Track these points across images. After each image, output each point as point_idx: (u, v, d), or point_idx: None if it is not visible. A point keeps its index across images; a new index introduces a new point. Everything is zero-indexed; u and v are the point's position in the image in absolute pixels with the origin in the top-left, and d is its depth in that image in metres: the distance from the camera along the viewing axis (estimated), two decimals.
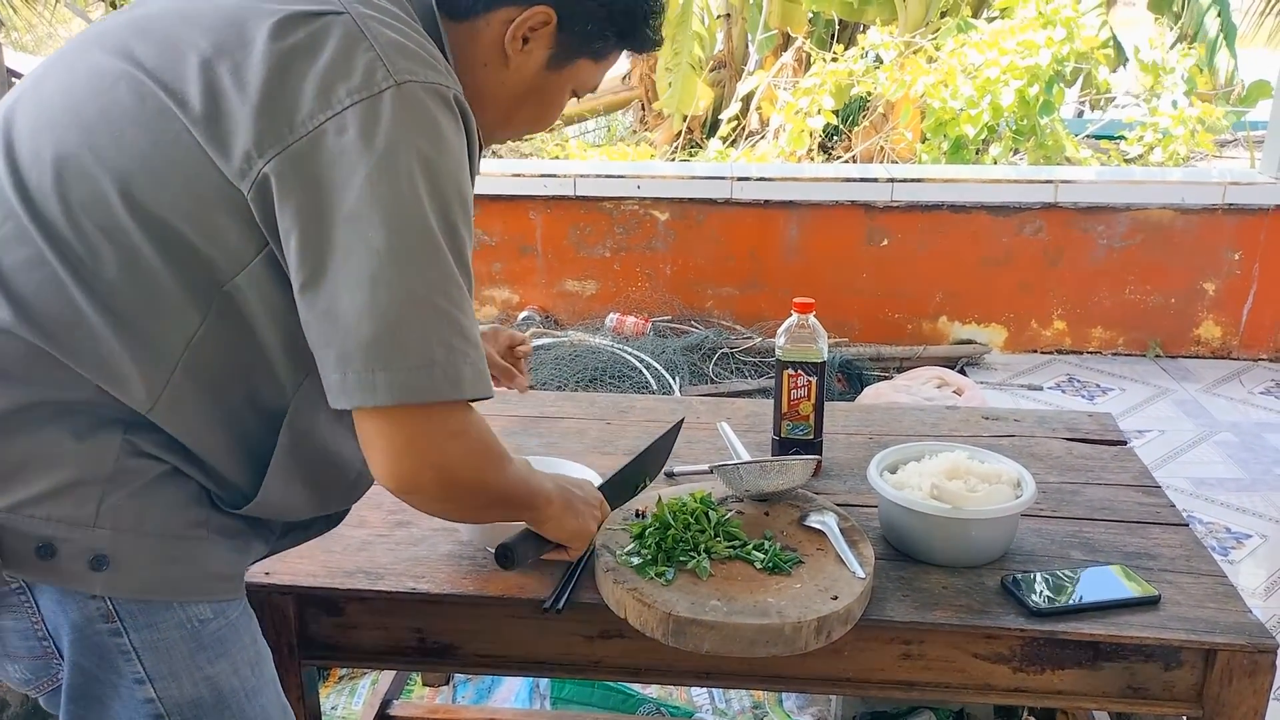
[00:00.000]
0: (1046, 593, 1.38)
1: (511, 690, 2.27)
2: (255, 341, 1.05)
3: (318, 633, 1.48)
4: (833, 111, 5.42)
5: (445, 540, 1.52)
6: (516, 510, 1.26)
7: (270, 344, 1.06)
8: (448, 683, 2.31)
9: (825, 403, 1.74)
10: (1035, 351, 3.62)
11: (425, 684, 2.31)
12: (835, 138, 6.33)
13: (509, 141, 1.34)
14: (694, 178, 3.48)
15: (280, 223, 0.98)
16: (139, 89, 1.01)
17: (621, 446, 1.84)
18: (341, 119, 0.97)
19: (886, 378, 3.33)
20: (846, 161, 5.66)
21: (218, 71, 0.99)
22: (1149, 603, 1.38)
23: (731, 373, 3.01)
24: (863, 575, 1.36)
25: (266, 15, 1.01)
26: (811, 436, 1.72)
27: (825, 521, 1.48)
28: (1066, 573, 1.43)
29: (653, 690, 2.26)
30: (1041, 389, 3.35)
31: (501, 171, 3.64)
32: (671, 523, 1.42)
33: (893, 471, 1.56)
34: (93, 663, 1.06)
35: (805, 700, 2.25)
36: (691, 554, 1.39)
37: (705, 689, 2.29)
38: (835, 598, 1.32)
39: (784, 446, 1.73)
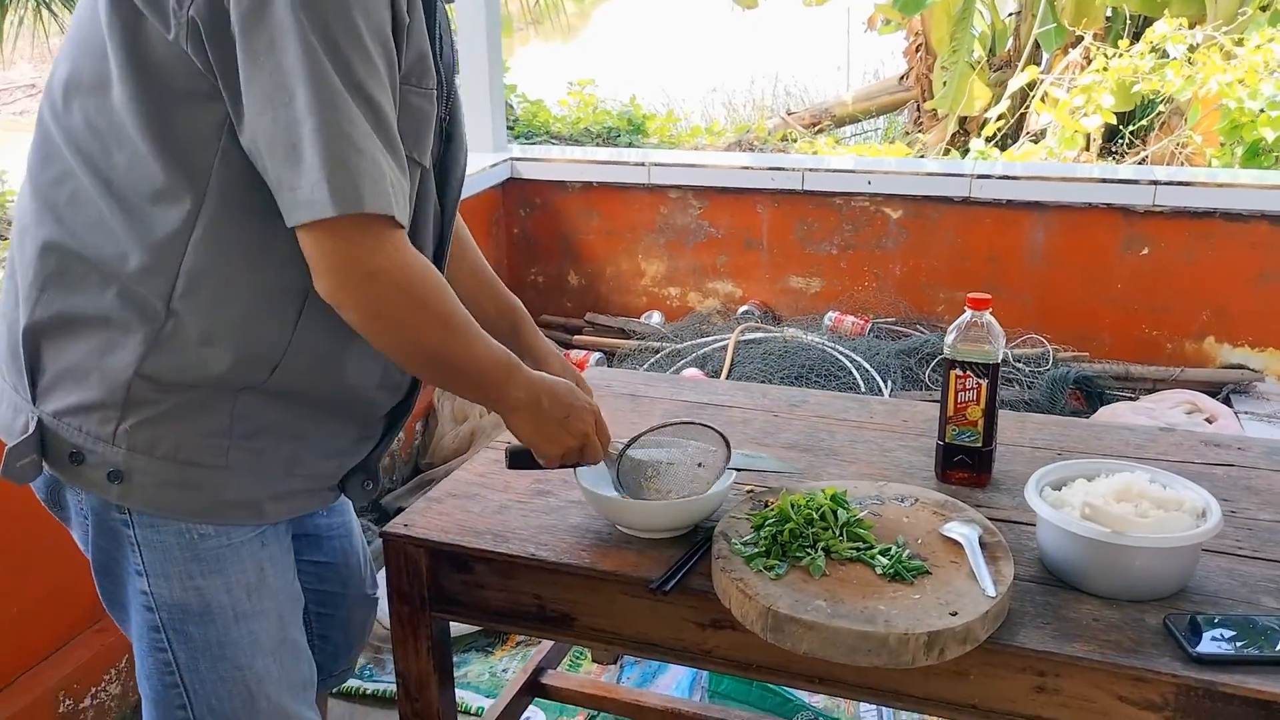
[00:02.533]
0: (1216, 638, 1.20)
1: (674, 679, 2.26)
2: (255, 217, 1.10)
3: (447, 587, 1.53)
4: (1114, 112, 4.99)
5: (577, 513, 1.53)
6: (463, 376, 1.23)
7: (274, 220, 1.08)
8: (615, 662, 2.33)
9: (998, 409, 1.60)
10: None
11: (594, 660, 2.34)
12: (1117, 140, 5.83)
13: None
14: (929, 174, 3.31)
15: (213, 63, 1.04)
16: None
17: (783, 440, 1.78)
18: None
19: (1131, 398, 3.03)
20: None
21: None
22: None
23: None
24: (993, 594, 1.24)
25: None
26: (980, 444, 1.59)
27: (965, 533, 1.36)
28: (1246, 619, 1.24)
29: (819, 700, 2.18)
30: None
31: (729, 164, 3.62)
32: (792, 516, 1.36)
33: (1057, 489, 1.42)
34: (108, 543, 1.19)
35: None
36: (808, 550, 1.32)
37: (875, 706, 2.18)
38: (954, 614, 1.21)
39: (948, 453, 1.61)
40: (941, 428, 1.61)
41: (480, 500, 1.59)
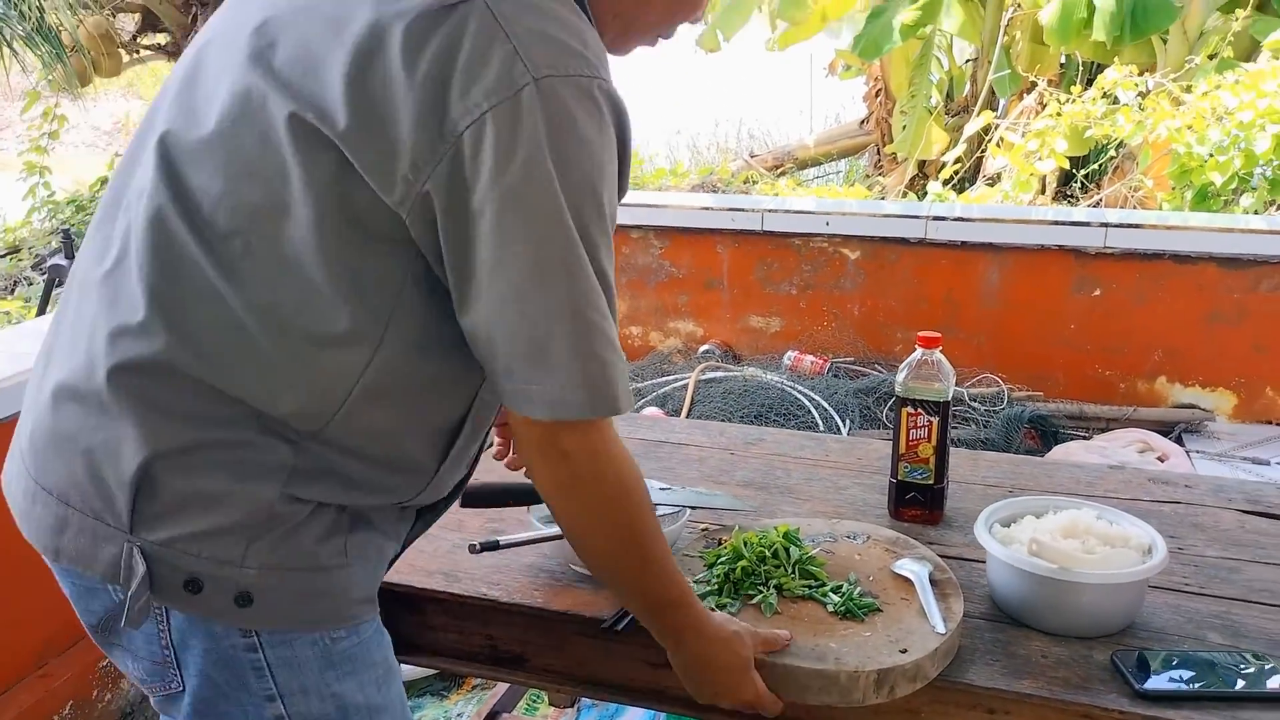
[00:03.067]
0: (1162, 674, 1.21)
1: (634, 718, 2.24)
2: (429, 358, 1.06)
3: (401, 630, 1.49)
4: (1067, 156, 5.10)
5: (530, 552, 1.52)
6: (652, 591, 1.16)
7: (443, 361, 1.06)
8: (573, 705, 2.31)
9: (949, 446, 1.62)
10: (1270, 423, 3.23)
11: (551, 703, 2.31)
12: (1071, 183, 5.95)
13: (631, 52, 1.17)
14: (886, 215, 3.35)
15: (442, 235, 0.97)
16: (283, 111, 0.97)
17: (737, 478, 1.78)
18: (480, 125, 0.93)
19: (1085, 437, 3.07)
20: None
21: (365, 87, 0.94)
22: None
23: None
24: (942, 630, 1.25)
25: (397, 17, 0.94)
26: (932, 481, 1.60)
27: (915, 570, 1.37)
28: (1192, 655, 1.25)
29: None
30: (1269, 463, 2.98)
31: (690, 205, 3.65)
32: (744, 554, 1.36)
33: (1006, 525, 1.43)
34: (224, 677, 1.07)
35: None
36: (760, 588, 1.32)
37: None
38: (904, 650, 1.21)
39: (901, 491, 1.62)
40: (894, 465, 1.62)
41: (433, 540, 1.58)
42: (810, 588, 1.33)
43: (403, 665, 1.54)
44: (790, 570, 1.35)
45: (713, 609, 1.27)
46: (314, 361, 1.01)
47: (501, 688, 2.03)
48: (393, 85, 0.93)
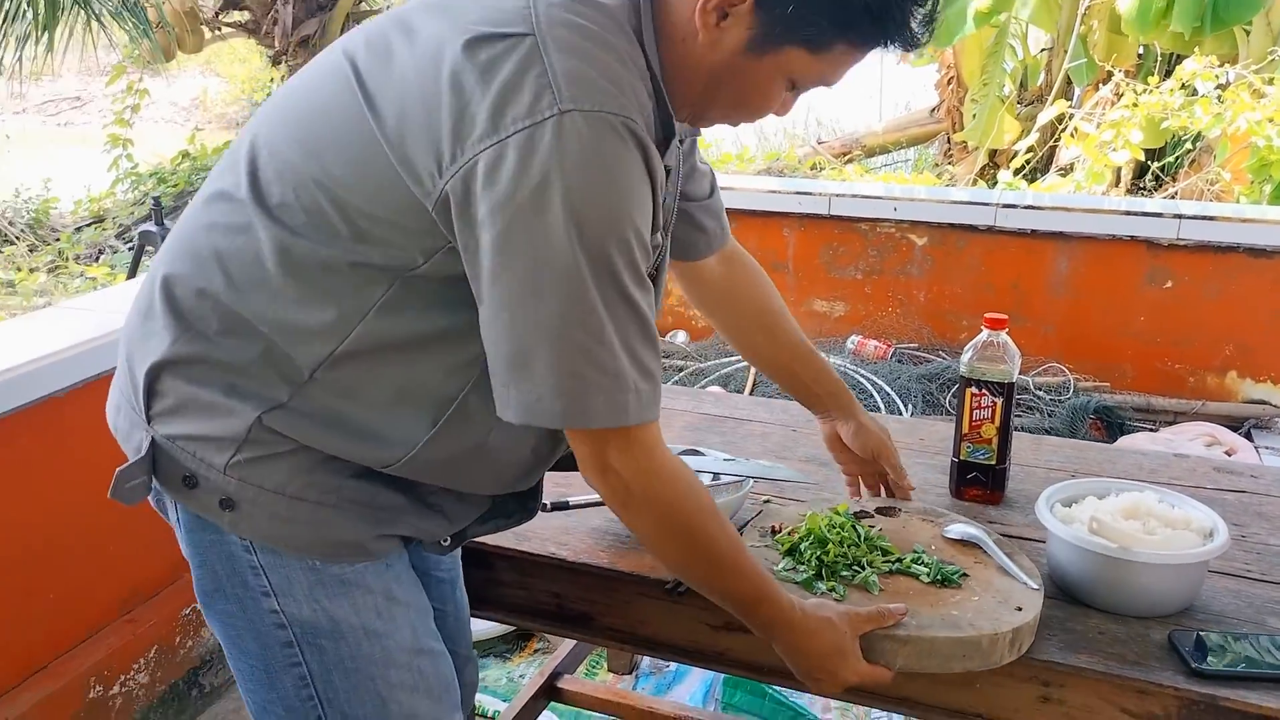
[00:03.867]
0: (1220, 654, 1.23)
1: (688, 690, 2.29)
2: (433, 319, 1.12)
3: (471, 585, 1.57)
4: (1142, 148, 5.01)
5: (597, 516, 1.57)
6: (732, 592, 1.21)
7: (450, 324, 1.12)
8: (631, 672, 2.36)
9: (1012, 429, 1.63)
10: None
11: (610, 669, 2.37)
12: (1146, 176, 5.85)
13: (711, 126, 1.26)
14: (955, 202, 3.34)
15: (458, 237, 1.05)
16: (347, 89, 1.09)
17: (799, 454, 1.82)
18: (504, 145, 0.99)
19: (1152, 429, 3.04)
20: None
21: (410, 90, 1.05)
22: None
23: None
24: (1035, 586, 1.28)
25: (460, 32, 1.04)
26: (994, 462, 1.62)
27: (975, 534, 1.40)
28: (1250, 637, 1.26)
29: (832, 715, 2.20)
30: None
31: (757, 187, 3.67)
32: (829, 538, 1.38)
33: (1067, 506, 1.45)
34: (225, 570, 1.19)
35: None
36: (855, 569, 1.34)
37: (886, 713, 2.20)
38: (1020, 609, 1.25)
39: (962, 470, 1.64)
40: (956, 445, 1.64)
41: None
42: (893, 563, 1.36)
43: (473, 622, 1.61)
44: (869, 548, 1.38)
45: (822, 593, 1.30)
46: (329, 291, 1.10)
47: (563, 650, 2.09)
48: (434, 89, 1.03)
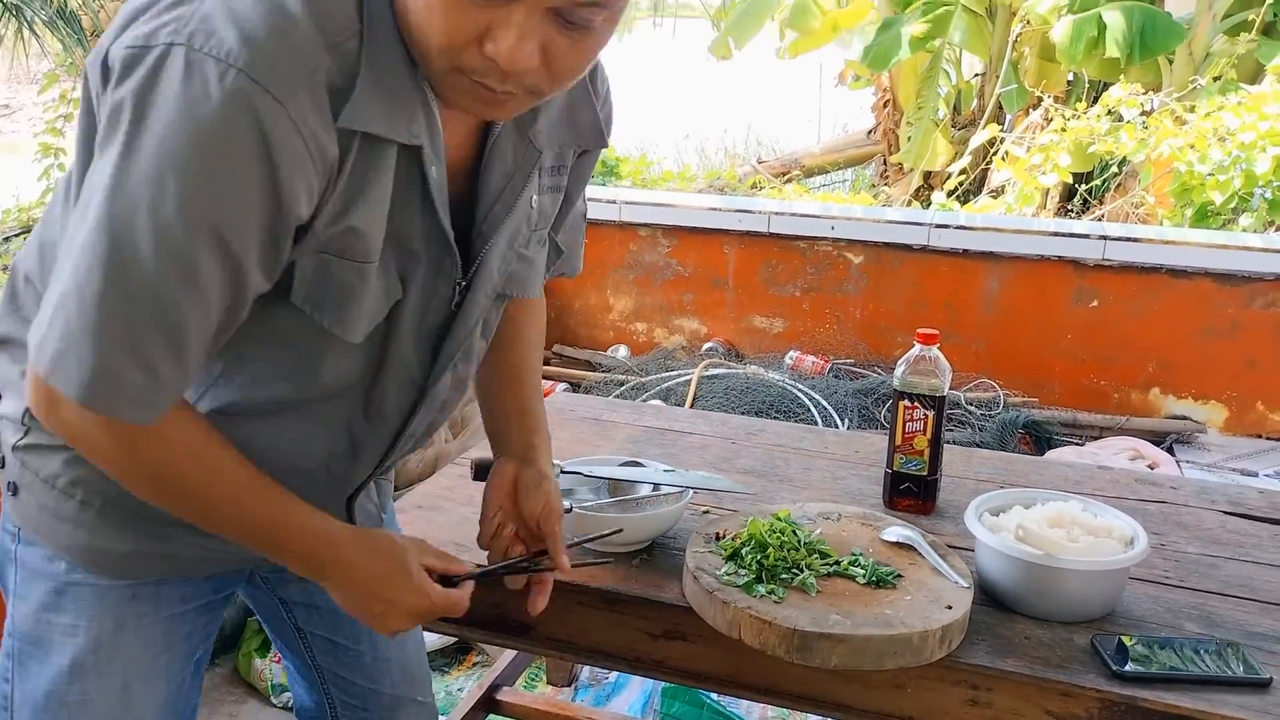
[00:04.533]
0: (1137, 657, 1.28)
1: (627, 700, 2.30)
2: None
3: None
4: (1071, 171, 5.16)
5: None
6: (258, 534, 1.06)
7: None
8: (570, 684, 2.37)
9: (944, 441, 1.68)
10: (1260, 436, 3.29)
11: (549, 682, 2.37)
12: (1074, 199, 6.02)
13: (466, 90, 0.94)
14: (890, 222, 3.42)
15: None
16: None
17: (739, 465, 1.85)
18: (110, 67, 0.87)
19: (1078, 444, 3.13)
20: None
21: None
22: (1257, 684, 1.25)
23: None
24: (966, 584, 1.33)
25: None
26: (926, 473, 1.66)
27: (911, 536, 1.44)
28: (1168, 641, 1.31)
29: None
30: (1258, 475, 3.05)
31: (698, 205, 3.72)
32: (769, 542, 1.41)
33: (995, 515, 1.49)
34: None
35: None
36: (794, 571, 1.37)
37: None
38: (950, 607, 1.29)
39: (895, 481, 1.68)
40: (890, 456, 1.68)
41: (445, 512, 1.64)
42: (831, 565, 1.39)
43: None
44: (808, 552, 1.41)
45: (763, 596, 1.31)
46: None
47: (502, 663, 2.09)
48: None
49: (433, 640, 2.35)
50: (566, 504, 1.48)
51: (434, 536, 1.55)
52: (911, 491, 1.67)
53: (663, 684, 2.27)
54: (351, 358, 1.06)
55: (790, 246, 3.50)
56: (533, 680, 2.36)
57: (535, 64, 0.87)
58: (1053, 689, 1.27)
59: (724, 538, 1.47)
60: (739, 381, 3.14)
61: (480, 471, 1.53)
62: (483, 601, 1.52)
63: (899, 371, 1.67)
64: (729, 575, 1.37)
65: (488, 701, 2.01)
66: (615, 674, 2.40)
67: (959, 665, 1.30)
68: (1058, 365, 3.38)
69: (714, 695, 2.24)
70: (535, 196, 1.11)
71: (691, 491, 1.58)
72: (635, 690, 2.33)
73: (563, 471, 1.56)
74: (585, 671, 2.42)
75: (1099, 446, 2.99)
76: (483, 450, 1.62)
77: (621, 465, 1.64)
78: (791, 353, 3.39)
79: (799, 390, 3.06)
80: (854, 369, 3.37)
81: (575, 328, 3.77)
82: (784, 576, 1.36)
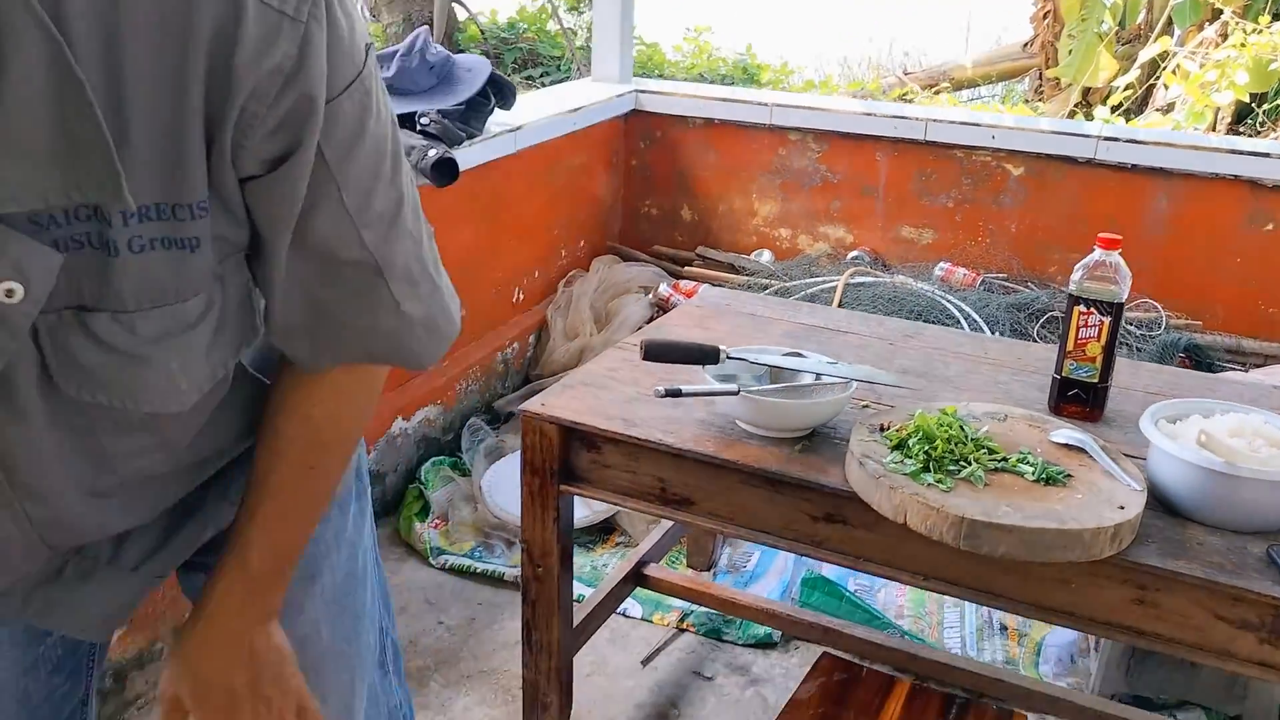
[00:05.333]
0: None
1: (765, 588, 2.36)
2: None
3: (576, 466, 1.64)
4: (1248, 90, 4.84)
5: (702, 409, 1.63)
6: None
7: None
8: (709, 569, 2.44)
9: (1116, 352, 1.64)
10: None
11: (689, 566, 2.45)
12: (1248, 120, 5.66)
13: None
14: (1055, 133, 3.28)
15: None
16: None
17: (897, 365, 1.85)
18: None
19: (1241, 370, 3.00)
20: None
21: None
22: None
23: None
24: (1139, 487, 1.32)
25: None
26: (1096, 380, 1.64)
27: (1082, 438, 1.43)
28: None
29: (905, 622, 2.26)
30: None
31: (852, 109, 3.64)
32: (936, 434, 1.42)
33: (1172, 423, 1.47)
34: None
35: (1064, 668, 2.15)
36: (961, 464, 1.38)
37: (958, 630, 2.25)
38: (1122, 507, 1.29)
39: (1063, 387, 1.66)
40: (1059, 362, 1.66)
41: (611, 390, 1.70)
42: (998, 461, 1.40)
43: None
44: (975, 447, 1.42)
45: (931, 485, 1.34)
46: None
47: (646, 544, 2.17)
48: None
49: (581, 518, 2.45)
50: (734, 386, 1.52)
51: (601, 411, 1.62)
52: (1080, 398, 1.65)
53: (802, 574, 2.32)
54: None
55: (946, 155, 3.40)
56: (673, 563, 2.44)
57: None
58: (1224, 593, 1.26)
59: (888, 429, 1.48)
60: (886, 290, 3.10)
61: (650, 352, 1.58)
62: (646, 475, 1.59)
63: (1076, 276, 1.64)
64: (895, 463, 1.39)
65: (636, 575, 2.09)
66: (753, 562, 2.46)
67: (1127, 564, 1.30)
68: (1224, 289, 3.23)
69: (851, 589, 2.28)
70: (9, 284, 0.63)
71: (855, 383, 1.60)
72: (773, 579, 2.38)
73: (729, 357, 1.60)
74: (724, 558, 2.48)
75: (1264, 374, 2.86)
76: (657, 333, 1.66)
77: (785, 355, 1.66)
78: (941, 264, 3.32)
79: (949, 301, 3.01)
80: (1006, 284, 3.28)
81: (718, 231, 3.77)
82: (951, 468, 1.37)
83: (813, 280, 3.26)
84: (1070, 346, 1.64)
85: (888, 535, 1.41)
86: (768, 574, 2.40)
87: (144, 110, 0.61)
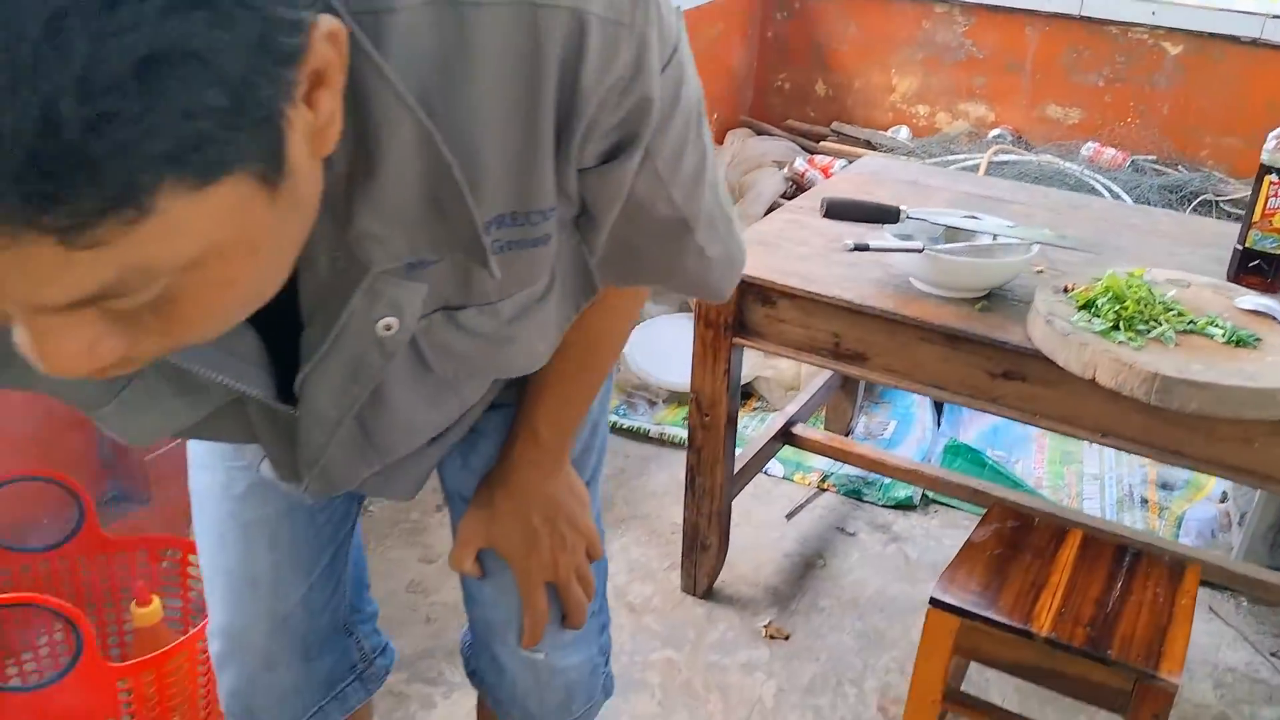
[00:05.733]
0: None
1: (907, 452, 2.42)
2: None
3: (750, 319, 1.70)
4: None
5: (877, 270, 1.66)
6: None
7: None
8: (846, 435, 2.50)
9: None
10: None
11: (827, 428, 2.51)
12: None
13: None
14: (1220, 10, 3.13)
15: None
16: None
17: (1067, 235, 1.84)
18: None
19: None
20: None
21: None
22: None
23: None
24: None
25: None
26: (1279, 251, 1.63)
27: (1270, 304, 1.44)
28: None
29: (1044, 493, 2.30)
30: None
31: None
32: (1126, 295, 1.44)
33: None
34: None
35: (1204, 541, 2.18)
36: (1152, 324, 1.41)
37: (1099, 508, 2.29)
38: None
39: (1245, 258, 1.65)
40: (1244, 232, 1.65)
41: (785, 249, 1.74)
42: (1187, 323, 1.42)
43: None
44: (1165, 309, 1.43)
45: (1122, 343, 1.36)
46: None
47: (792, 407, 2.24)
48: None
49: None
50: (919, 244, 1.55)
51: (777, 268, 1.67)
52: (1261, 270, 1.64)
53: (945, 441, 2.37)
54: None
55: (1100, 31, 3.28)
56: (814, 422, 2.51)
57: (114, 358, 0.49)
58: None
59: (1072, 290, 1.50)
60: (1031, 169, 3.05)
61: (831, 210, 1.61)
62: (821, 330, 1.64)
63: (1269, 145, 1.61)
64: (1084, 322, 1.41)
65: (784, 434, 2.16)
66: (890, 430, 2.52)
67: None
68: None
69: (991, 458, 2.33)
70: (386, 320, 0.70)
71: (1036, 247, 1.61)
72: (911, 448, 2.44)
73: (908, 217, 1.62)
74: (861, 425, 2.54)
75: None
76: (836, 191, 1.68)
77: (964, 217, 1.68)
78: (1089, 144, 3.24)
79: (1098, 181, 2.95)
80: (1156, 166, 3.19)
81: (853, 107, 3.72)
82: (1140, 328, 1.39)
83: (953, 158, 3.22)
84: (1257, 217, 1.62)
85: (1070, 392, 1.45)
86: (905, 442, 2.46)
87: (498, 147, 0.64)
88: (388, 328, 0.69)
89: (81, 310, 0.45)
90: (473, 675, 1.15)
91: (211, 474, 0.99)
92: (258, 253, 0.49)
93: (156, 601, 1.40)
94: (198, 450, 1.00)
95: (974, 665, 1.76)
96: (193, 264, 0.45)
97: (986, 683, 1.82)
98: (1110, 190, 2.92)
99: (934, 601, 1.36)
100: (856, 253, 1.62)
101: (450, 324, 0.74)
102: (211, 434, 0.81)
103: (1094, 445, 2.47)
